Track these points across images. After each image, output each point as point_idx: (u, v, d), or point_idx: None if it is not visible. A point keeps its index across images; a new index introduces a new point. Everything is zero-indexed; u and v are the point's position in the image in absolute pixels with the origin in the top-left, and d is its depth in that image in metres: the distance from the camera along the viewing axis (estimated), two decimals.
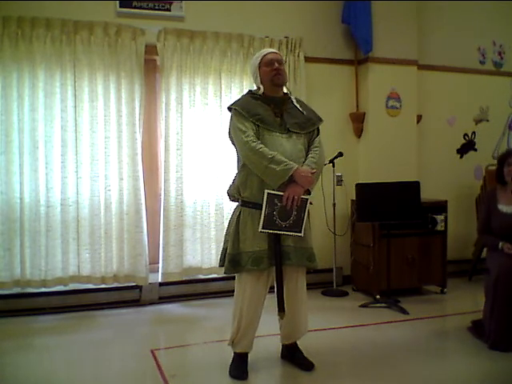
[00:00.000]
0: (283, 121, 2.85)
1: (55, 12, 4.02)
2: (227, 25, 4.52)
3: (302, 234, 2.79)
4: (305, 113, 2.93)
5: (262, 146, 2.72)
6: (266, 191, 2.70)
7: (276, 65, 2.85)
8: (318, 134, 2.98)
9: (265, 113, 2.83)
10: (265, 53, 2.92)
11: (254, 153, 2.71)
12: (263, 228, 2.72)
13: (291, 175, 2.69)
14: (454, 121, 5.49)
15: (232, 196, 2.97)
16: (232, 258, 2.82)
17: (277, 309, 2.88)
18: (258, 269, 2.78)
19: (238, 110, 2.84)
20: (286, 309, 2.92)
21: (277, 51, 3.00)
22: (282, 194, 2.71)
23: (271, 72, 2.85)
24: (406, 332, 3.69)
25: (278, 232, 2.75)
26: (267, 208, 2.70)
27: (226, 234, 2.97)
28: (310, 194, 2.85)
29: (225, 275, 2.95)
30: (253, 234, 2.78)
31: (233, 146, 2.93)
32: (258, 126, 2.80)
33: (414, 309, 4.15)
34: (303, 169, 2.75)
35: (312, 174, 2.76)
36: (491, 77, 5.60)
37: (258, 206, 2.73)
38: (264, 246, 2.78)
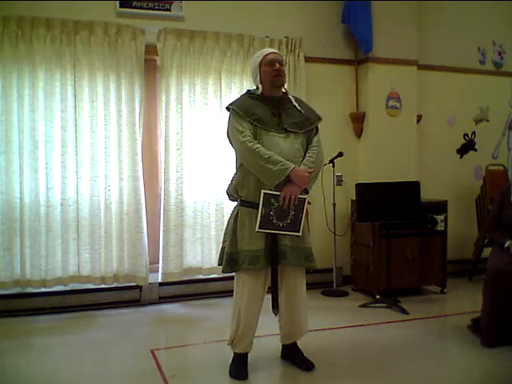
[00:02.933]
0: (281, 120, 2.85)
1: (55, 12, 4.02)
2: (227, 25, 4.52)
3: (299, 234, 2.79)
4: (303, 112, 2.93)
5: (258, 145, 2.73)
6: (263, 191, 2.70)
7: (277, 65, 2.85)
8: (316, 133, 2.97)
9: (262, 113, 2.84)
10: (266, 52, 2.92)
11: (250, 153, 2.72)
12: (260, 228, 2.72)
13: (288, 175, 2.69)
14: (453, 121, 5.48)
15: (231, 195, 2.98)
16: (230, 257, 2.83)
17: (275, 305, 2.92)
18: (255, 268, 2.78)
19: (235, 110, 2.85)
20: (284, 309, 2.95)
21: (277, 52, 3.00)
22: (278, 193, 2.72)
23: (272, 72, 2.85)
24: (405, 332, 3.69)
25: (276, 232, 2.76)
26: (264, 208, 2.71)
27: (224, 233, 2.99)
28: (307, 193, 2.85)
29: (225, 275, 2.96)
30: (250, 233, 2.78)
31: (231, 146, 2.94)
32: (256, 125, 2.81)
33: (414, 309, 4.15)
34: (300, 168, 2.75)
35: (309, 173, 2.76)
36: (491, 77, 5.60)
37: (256, 206, 2.73)
38: (261, 245, 2.79)
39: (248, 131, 2.78)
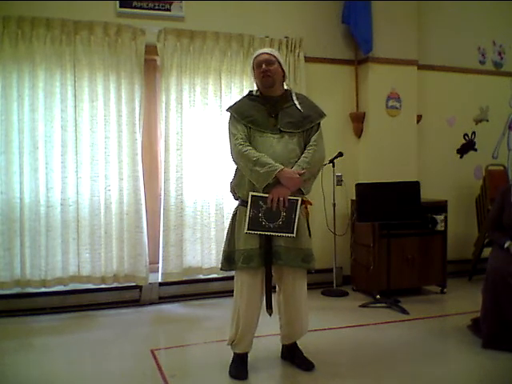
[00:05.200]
0: (277, 121, 2.84)
1: (55, 12, 4.02)
2: (227, 25, 4.52)
3: (293, 235, 2.78)
4: (303, 110, 2.89)
5: (248, 148, 2.74)
6: (250, 193, 2.72)
7: (263, 66, 2.84)
8: (317, 131, 2.91)
9: (258, 114, 2.83)
10: (255, 55, 2.94)
11: (240, 155, 2.74)
12: (248, 229, 2.74)
13: (277, 177, 2.69)
14: (453, 121, 5.48)
15: (233, 195, 2.99)
16: (227, 256, 2.87)
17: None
18: (248, 266, 2.79)
19: (231, 113, 2.89)
20: (284, 309, 2.96)
21: (268, 51, 2.94)
22: (266, 195, 2.72)
23: (260, 74, 2.87)
24: (406, 332, 3.69)
25: (266, 233, 2.76)
26: (252, 210, 2.72)
27: (226, 233, 3.00)
28: (303, 194, 2.83)
29: (225, 275, 2.97)
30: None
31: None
32: (250, 127, 2.81)
33: (414, 309, 4.15)
34: (288, 170, 2.73)
35: (300, 174, 2.74)
36: (491, 77, 5.60)
37: None
38: (255, 245, 2.79)
39: (241, 134, 2.79)
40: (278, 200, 2.71)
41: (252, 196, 2.72)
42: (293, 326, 2.99)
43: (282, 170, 2.70)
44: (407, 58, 4.97)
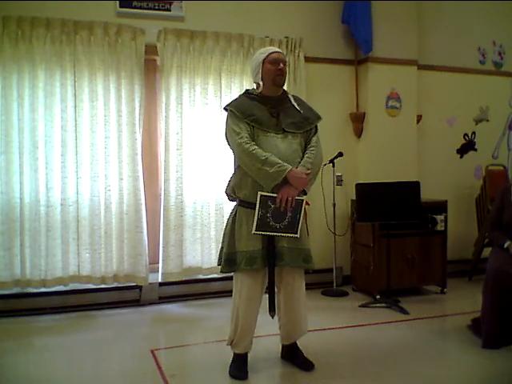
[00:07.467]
0: (279, 121, 2.83)
1: (55, 12, 4.02)
2: (227, 25, 4.52)
3: (297, 235, 2.79)
4: (302, 112, 2.91)
5: (255, 147, 2.72)
6: (259, 193, 2.70)
7: (281, 65, 2.84)
8: (315, 133, 2.95)
9: (260, 113, 2.82)
10: (271, 51, 2.90)
11: (247, 154, 2.71)
12: (256, 230, 2.72)
13: (285, 176, 2.68)
14: (453, 121, 5.48)
15: (230, 196, 2.98)
16: (228, 257, 2.84)
17: (272, 308, 2.92)
18: (251, 268, 2.78)
19: (232, 110, 2.84)
20: (284, 309, 2.96)
21: (281, 51, 2.97)
22: (275, 195, 2.71)
23: (275, 71, 2.83)
24: (406, 332, 3.69)
25: (273, 233, 2.76)
26: (260, 210, 2.70)
27: (223, 234, 2.99)
28: (305, 194, 2.84)
29: (225, 275, 2.96)
30: (247, 234, 2.78)
31: (229, 147, 2.92)
32: (253, 126, 2.80)
33: (414, 309, 4.15)
34: (297, 170, 2.74)
35: (307, 174, 2.75)
36: (491, 77, 5.61)
37: (253, 206, 2.73)
38: (258, 246, 2.78)
39: (245, 132, 2.76)
40: (287, 200, 2.71)
41: (261, 196, 2.70)
42: (292, 325, 2.99)
43: (291, 169, 2.70)
44: (407, 58, 4.97)
